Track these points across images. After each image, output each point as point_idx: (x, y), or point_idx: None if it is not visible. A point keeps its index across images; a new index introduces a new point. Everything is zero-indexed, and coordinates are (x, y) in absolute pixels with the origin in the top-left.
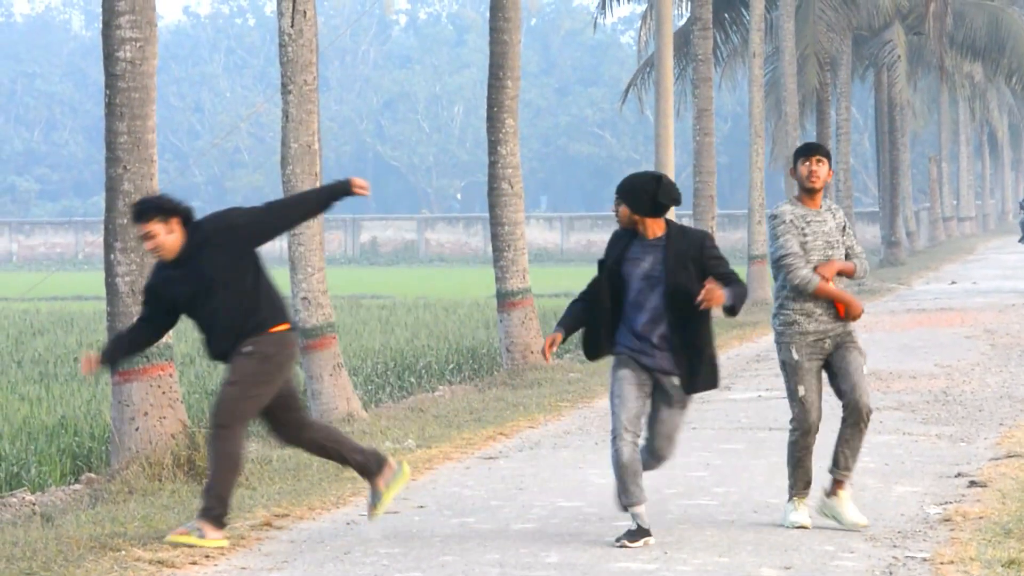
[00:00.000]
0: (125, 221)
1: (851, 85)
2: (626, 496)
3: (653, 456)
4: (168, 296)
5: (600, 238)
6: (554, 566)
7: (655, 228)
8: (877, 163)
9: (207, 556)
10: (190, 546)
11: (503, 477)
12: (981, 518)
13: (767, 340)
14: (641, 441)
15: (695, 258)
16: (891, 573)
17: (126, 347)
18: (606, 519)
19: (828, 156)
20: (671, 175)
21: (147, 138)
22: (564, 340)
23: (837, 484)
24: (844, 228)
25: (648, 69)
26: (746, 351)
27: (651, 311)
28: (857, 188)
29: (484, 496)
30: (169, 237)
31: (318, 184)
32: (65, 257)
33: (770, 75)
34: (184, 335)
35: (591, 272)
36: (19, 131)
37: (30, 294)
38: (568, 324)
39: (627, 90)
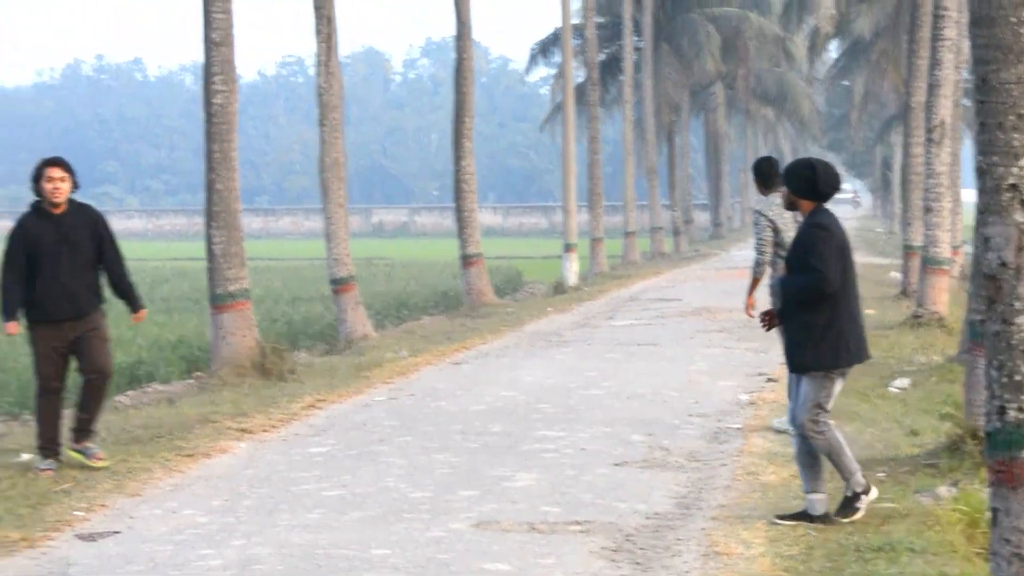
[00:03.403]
0: (218, 208)
1: (689, 121)
2: None
3: None
4: None
5: (528, 220)
6: (497, 433)
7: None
8: (707, 172)
9: (273, 425)
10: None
11: (464, 375)
12: (774, 401)
13: (639, 286)
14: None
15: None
16: (716, 436)
17: None
18: (531, 404)
19: None
20: (571, 183)
21: (231, 155)
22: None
23: None
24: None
25: (557, 111)
26: (623, 294)
27: None
28: (694, 188)
29: (452, 388)
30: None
31: (343, 187)
32: (181, 232)
33: (636, 115)
34: (257, 281)
35: (523, 243)
36: (152, 151)
37: (158, 256)
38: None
39: (544, 124)
